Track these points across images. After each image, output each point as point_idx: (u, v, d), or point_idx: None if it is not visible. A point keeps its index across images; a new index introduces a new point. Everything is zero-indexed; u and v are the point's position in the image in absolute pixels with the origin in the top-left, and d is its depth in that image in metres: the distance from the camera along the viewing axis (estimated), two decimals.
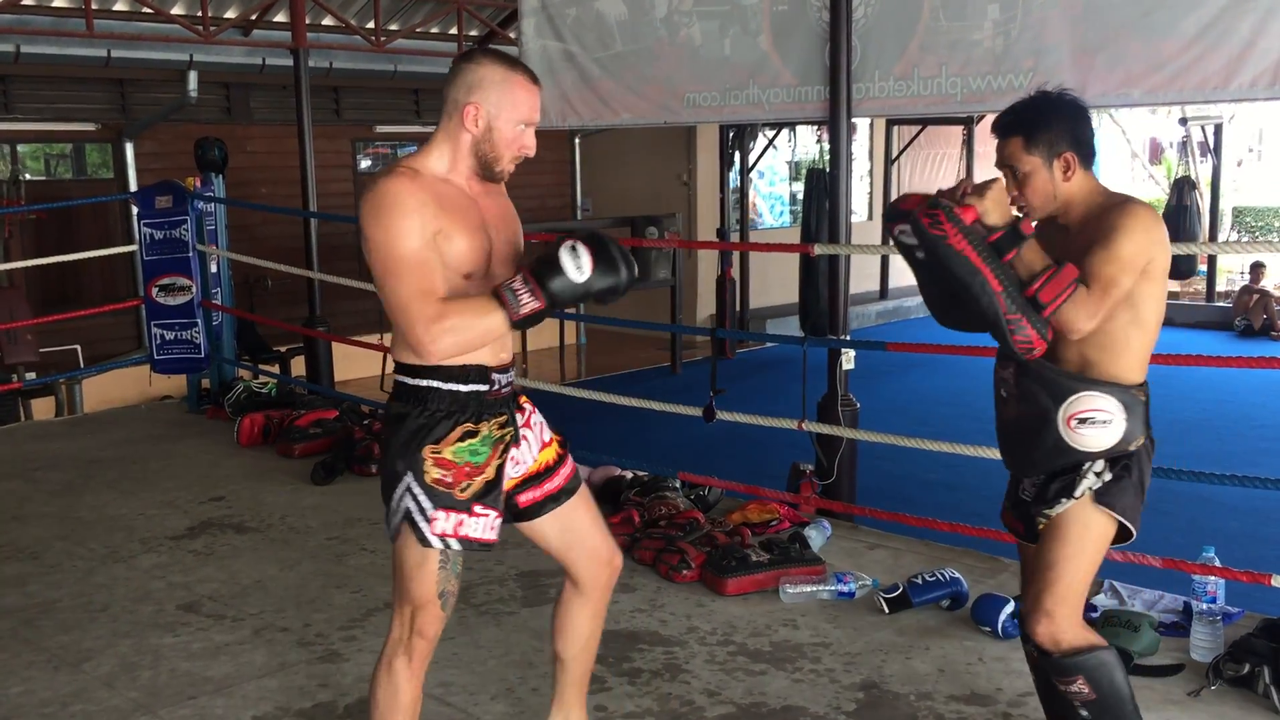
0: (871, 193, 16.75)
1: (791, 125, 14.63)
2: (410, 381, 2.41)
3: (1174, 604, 3.77)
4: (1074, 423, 2.50)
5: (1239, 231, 20.27)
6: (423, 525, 2.38)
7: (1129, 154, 22.21)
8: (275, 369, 9.20)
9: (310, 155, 8.09)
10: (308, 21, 8.70)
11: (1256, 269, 13.88)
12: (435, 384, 2.39)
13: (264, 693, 3.36)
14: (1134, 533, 2.54)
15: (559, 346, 13.16)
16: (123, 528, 4.89)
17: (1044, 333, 2.40)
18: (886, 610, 3.83)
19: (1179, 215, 12.21)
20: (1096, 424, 2.49)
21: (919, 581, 3.89)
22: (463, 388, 2.41)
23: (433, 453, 2.37)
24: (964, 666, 3.45)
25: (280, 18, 10.22)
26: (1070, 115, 2.53)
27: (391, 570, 2.48)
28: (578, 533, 2.67)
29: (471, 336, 2.30)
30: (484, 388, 2.43)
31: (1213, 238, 14.34)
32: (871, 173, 16.68)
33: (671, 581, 4.13)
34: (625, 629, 3.76)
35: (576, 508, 2.67)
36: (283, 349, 9.56)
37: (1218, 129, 14.63)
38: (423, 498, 2.37)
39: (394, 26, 11.20)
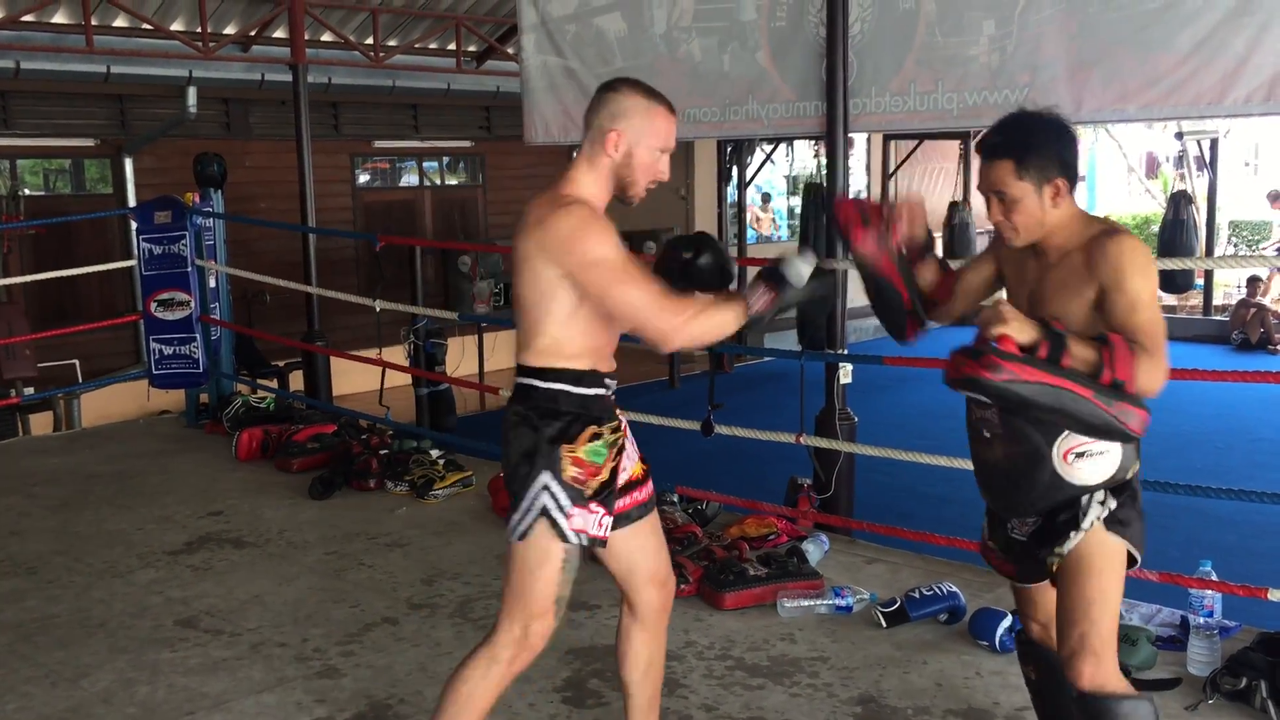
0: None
1: (789, 140, 14.67)
2: (542, 385, 2.51)
3: (1171, 618, 3.77)
4: (1070, 457, 2.41)
5: (1235, 245, 20.32)
6: (562, 521, 2.47)
7: (1125, 168, 22.26)
8: (273, 384, 9.21)
9: (309, 170, 8.12)
10: (307, 37, 8.74)
11: (1254, 282, 13.90)
12: (565, 387, 2.50)
13: (261, 708, 3.36)
14: (1138, 560, 2.47)
15: None
16: (120, 543, 4.89)
17: (1143, 405, 2.31)
18: (884, 624, 3.83)
19: (1176, 229, 12.25)
20: (1093, 456, 2.41)
21: (916, 596, 3.89)
22: (588, 391, 2.52)
23: (569, 452, 2.48)
24: (961, 681, 3.45)
25: (279, 33, 10.26)
26: (1060, 138, 2.42)
27: (506, 576, 2.55)
28: (644, 552, 2.71)
29: (711, 327, 2.47)
30: (603, 392, 2.55)
31: (1209, 251, 14.36)
32: (869, 187, 16.72)
33: None
34: None
35: (649, 525, 2.73)
36: (281, 364, 9.57)
37: (1213, 143, 14.67)
38: (561, 495, 2.47)
39: (393, 42, 11.25)
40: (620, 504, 2.63)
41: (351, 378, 9.35)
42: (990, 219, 2.46)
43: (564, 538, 2.48)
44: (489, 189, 13.09)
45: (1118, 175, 23.19)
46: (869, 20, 5.39)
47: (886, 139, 15.78)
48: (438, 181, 12.94)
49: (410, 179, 12.72)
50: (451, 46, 11.43)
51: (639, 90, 2.53)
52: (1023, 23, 4.90)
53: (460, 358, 11.20)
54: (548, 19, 6.65)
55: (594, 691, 3.43)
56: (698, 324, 2.45)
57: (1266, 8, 4.35)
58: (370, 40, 10.68)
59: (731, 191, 13.46)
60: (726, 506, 5.06)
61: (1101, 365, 2.27)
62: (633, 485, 2.67)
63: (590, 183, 2.52)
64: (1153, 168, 22.97)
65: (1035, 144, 2.39)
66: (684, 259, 2.67)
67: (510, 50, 10.53)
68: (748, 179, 13.77)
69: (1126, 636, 3.45)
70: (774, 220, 16.25)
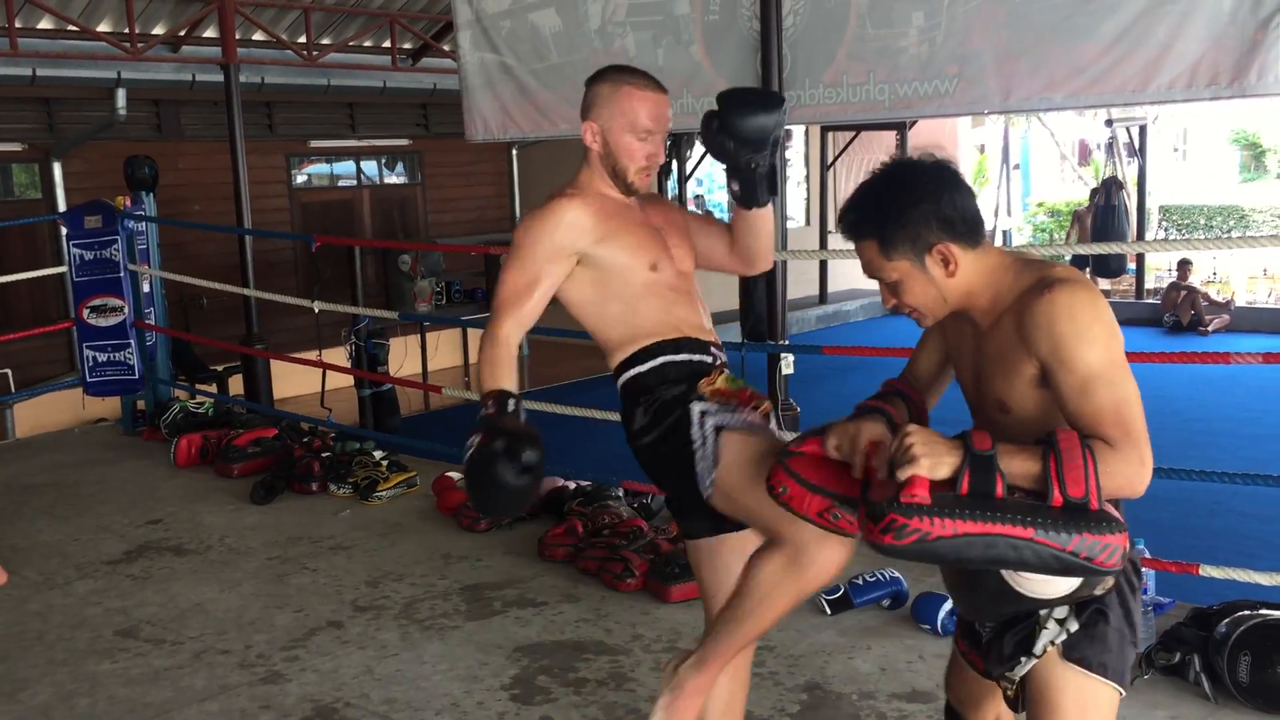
0: (809, 199, 16.91)
1: None
2: (645, 367, 2.43)
3: None
4: None
5: (1166, 230, 20.74)
6: (732, 420, 2.34)
7: (1058, 156, 22.63)
8: (213, 388, 9.09)
9: (243, 171, 8.02)
10: (238, 37, 8.63)
11: (1184, 266, 14.20)
12: (666, 359, 2.43)
13: (205, 717, 3.32)
14: (1122, 692, 1.97)
15: None
16: (58, 554, 4.81)
17: (1120, 528, 1.73)
18: (828, 611, 3.87)
19: (1107, 214, 12.48)
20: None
21: (860, 582, 3.93)
22: (694, 357, 2.44)
23: (707, 385, 2.39)
24: (905, 665, 3.50)
25: (210, 33, 10.12)
26: (929, 193, 1.90)
27: (748, 513, 2.32)
28: (731, 571, 2.46)
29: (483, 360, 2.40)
30: (707, 359, 2.46)
31: (1140, 236, 14.64)
32: (808, 178, 16.84)
33: (616, 590, 4.14)
34: (570, 639, 3.76)
35: (744, 539, 2.48)
36: (220, 368, 9.45)
37: (1142, 130, 14.96)
38: (717, 412, 2.35)
39: (326, 40, 11.13)
40: None
41: (293, 380, 9.26)
42: (886, 306, 2.02)
43: (744, 428, 2.33)
44: (428, 187, 13.01)
45: (1051, 162, 23.56)
46: (801, 13, 5.43)
47: (824, 130, 15.89)
48: (377, 180, 12.84)
49: (349, 178, 12.61)
50: (387, 44, 11.34)
51: (609, 75, 2.48)
52: (951, 14, 4.96)
53: (403, 358, 11.13)
54: (482, 15, 6.62)
55: (542, 688, 3.43)
56: (484, 350, 2.37)
57: None
58: (303, 39, 10.56)
59: (672, 186, 13.49)
60: None
61: (1048, 480, 1.73)
62: None
63: (587, 177, 2.50)
64: (1085, 155, 23.36)
65: (895, 211, 1.91)
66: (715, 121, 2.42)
67: (446, 47, 10.47)
68: (687, 173, 13.80)
69: None
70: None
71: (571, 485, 5.17)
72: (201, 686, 3.51)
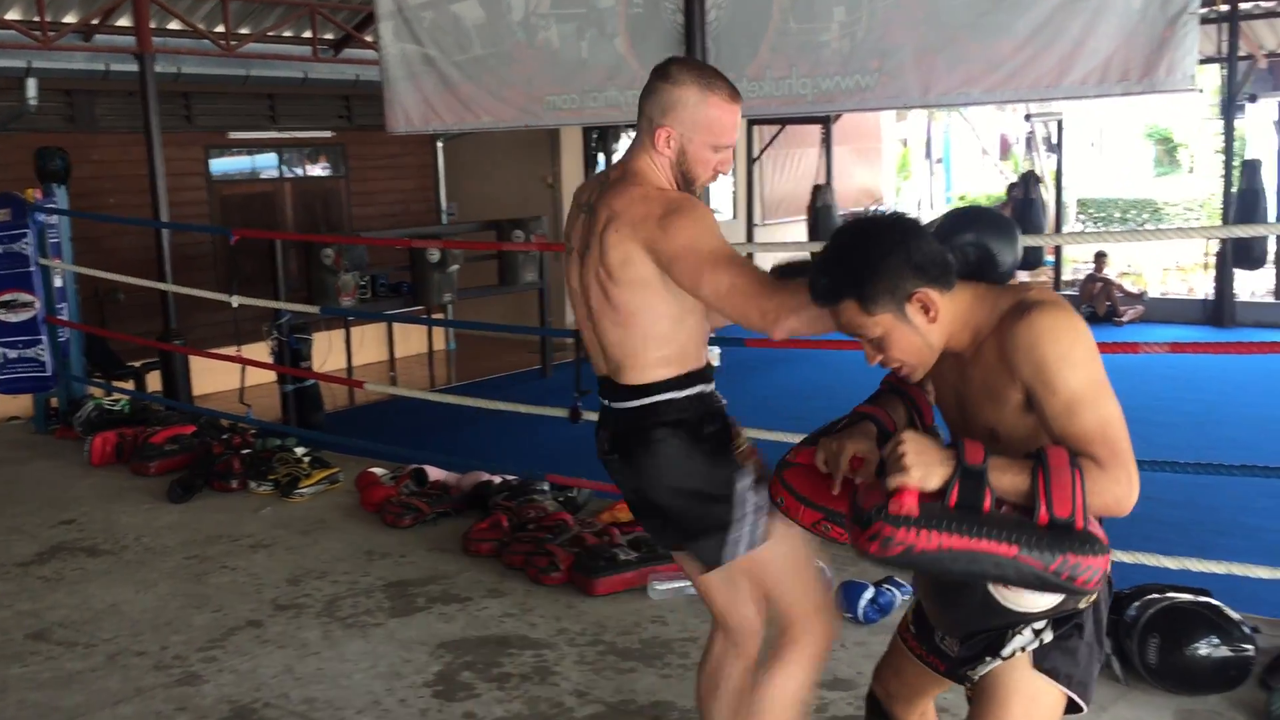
0: (735, 191, 16.99)
1: None
2: (682, 395, 2.35)
3: None
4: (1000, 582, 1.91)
5: (1083, 222, 21.19)
6: (762, 500, 2.33)
7: (980, 150, 23.00)
8: (130, 385, 8.88)
9: (160, 163, 7.83)
10: (153, 26, 8.43)
11: (1100, 258, 14.52)
12: (702, 388, 2.38)
13: None
14: (1083, 707, 1.99)
15: (428, 353, 13.01)
16: None
17: (1102, 550, 1.75)
18: None
19: (1026, 208, 12.70)
20: None
21: None
22: (708, 387, 2.41)
23: (738, 447, 2.37)
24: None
25: (124, 22, 9.87)
26: (899, 242, 1.90)
27: (768, 593, 2.44)
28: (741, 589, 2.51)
29: (812, 314, 2.13)
30: (709, 388, 2.43)
31: (1058, 228, 14.95)
32: (734, 171, 16.92)
33: (541, 584, 4.13)
34: (494, 634, 3.75)
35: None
36: (138, 364, 9.24)
37: (1060, 125, 15.27)
38: (754, 485, 2.35)
39: (245, 30, 10.93)
40: None
41: (214, 376, 9.08)
42: (871, 364, 2.02)
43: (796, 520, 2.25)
44: (352, 180, 12.83)
45: (972, 156, 23.93)
46: (724, 7, 5.45)
47: (750, 124, 15.97)
48: (299, 173, 12.64)
49: (270, 171, 12.40)
50: (307, 34, 11.16)
51: (692, 77, 2.30)
52: (871, 9, 5.03)
53: (328, 352, 10.99)
54: (404, 6, 6.55)
55: (466, 684, 3.41)
56: (796, 318, 2.19)
57: None
58: (221, 28, 10.35)
59: None
60: (598, 493, 5.07)
61: (1036, 498, 1.75)
62: None
63: (656, 175, 2.34)
64: (1006, 149, 23.78)
65: (870, 266, 1.90)
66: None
67: (369, 38, 10.33)
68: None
69: None
70: None
71: (497, 479, 5.14)
72: (116, 689, 3.44)
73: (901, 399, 2.15)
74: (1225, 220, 12.65)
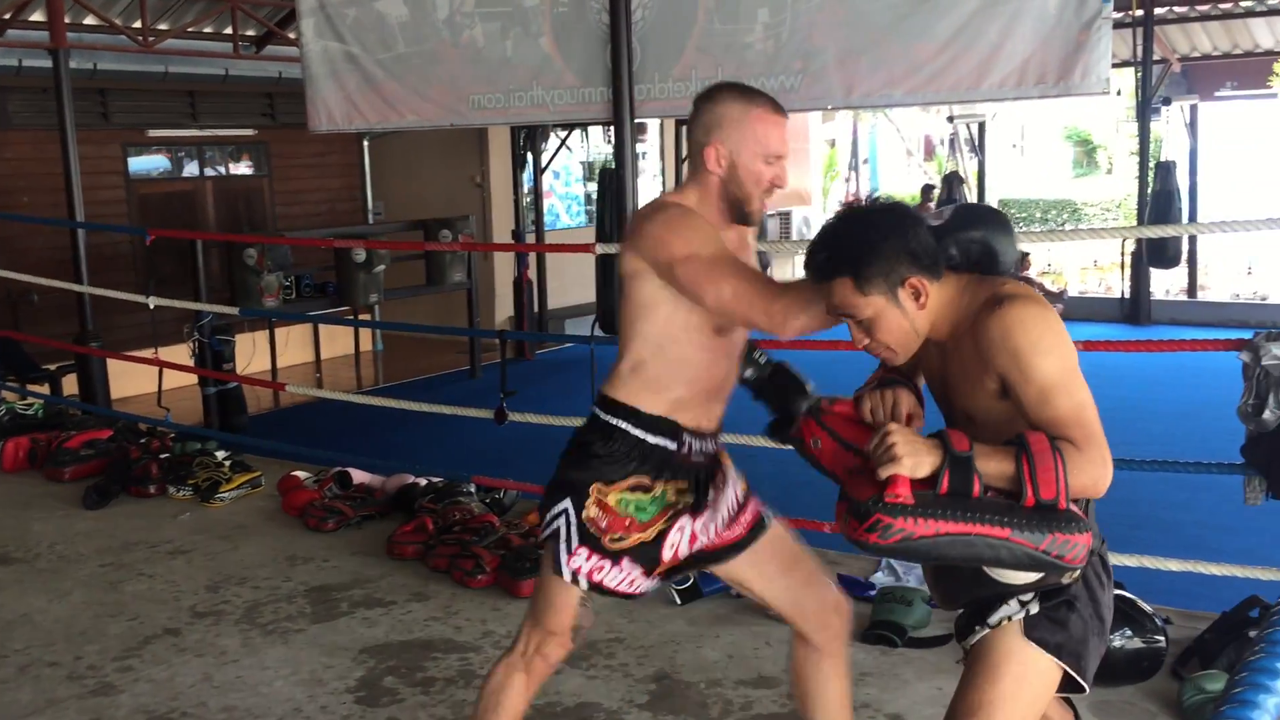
0: (665, 191, 17.03)
1: (582, 126, 14.73)
2: (603, 416, 2.36)
3: None
4: None
5: None
6: (562, 554, 2.34)
7: (904, 151, 23.31)
8: (45, 389, 8.66)
9: (75, 161, 7.66)
10: (68, 21, 8.23)
11: (1022, 257, 14.79)
12: (625, 426, 2.33)
13: None
14: (1084, 686, 2.05)
15: (355, 354, 12.86)
16: None
17: (1085, 527, 1.84)
18: (679, 601, 3.91)
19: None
20: None
21: (709, 571, 3.97)
22: (650, 438, 2.33)
23: (599, 492, 2.32)
24: (752, 651, 3.55)
25: (38, 16, 9.62)
26: (898, 227, 1.98)
27: (534, 587, 2.51)
28: (791, 573, 2.51)
29: (816, 311, 2.13)
30: (671, 445, 2.35)
31: None
32: (664, 171, 16.95)
33: (466, 587, 4.09)
34: (419, 638, 3.71)
35: (780, 537, 2.53)
36: (53, 367, 9.01)
37: (981, 127, 15.53)
38: (573, 529, 2.33)
39: (163, 26, 10.71)
40: (725, 537, 2.45)
41: (134, 379, 8.89)
42: (858, 346, 2.07)
43: (557, 571, 2.34)
44: (275, 178, 12.63)
45: (898, 157, 24.25)
46: (650, 7, 5.46)
47: (678, 124, 16.01)
48: (221, 171, 12.42)
49: (191, 169, 12.17)
50: (228, 31, 10.97)
51: (735, 95, 2.33)
52: (795, 11, 5.06)
53: (252, 354, 10.81)
54: (326, 3, 6.46)
55: (389, 689, 3.37)
56: (799, 313, 2.19)
57: None
58: (139, 23, 10.14)
59: (528, 178, 13.42)
60: (525, 494, 5.05)
61: (1022, 483, 1.83)
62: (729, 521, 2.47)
63: (697, 199, 2.32)
64: (930, 150, 24.12)
65: (870, 247, 1.96)
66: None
67: (292, 35, 10.18)
68: (543, 165, 13.75)
69: (902, 598, 3.63)
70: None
71: (422, 482, 5.09)
72: (27, 701, 3.35)
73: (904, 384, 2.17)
74: (1140, 221, 12.95)
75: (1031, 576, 1.95)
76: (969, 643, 2.07)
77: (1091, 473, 1.87)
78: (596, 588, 2.36)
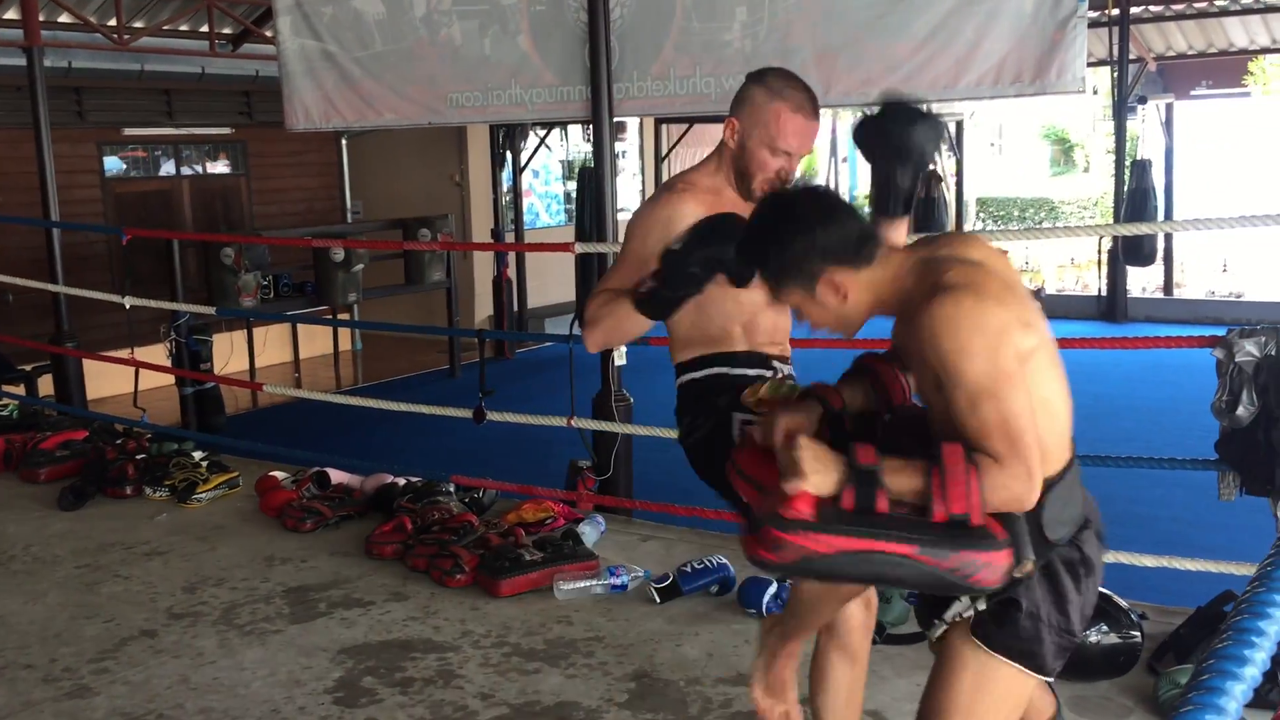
0: (644, 191, 17.02)
1: (561, 124, 14.72)
2: (699, 374, 2.51)
3: None
4: None
5: (983, 221, 21.67)
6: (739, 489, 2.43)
7: None
8: (20, 389, 8.59)
9: (50, 160, 7.59)
10: (42, 18, 8.16)
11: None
12: (722, 370, 2.48)
13: None
14: (1041, 676, 1.97)
15: (334, 354, 12.81)
16: None
17: (1002, 545, 1.75)
18: (658, 600, 3.91)
19: (928, 206, 12.94)
20: None
21: (688, 570, 3.98)
22: (745, 371, 2.47)
23: (751, 395, 2.36)
24: (731, 649, 3.55)
25: (11, 15, 9.54)
26: (804, 225, 1.89)
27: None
28: None
29: (609, 322, 2.40)
30: (767, 373, 2.48)
31: (959, 227, 15.25)
32: (643, 170, 16.95)
33: (445, 587, 4.08)
34: (397, 638, 3.70)
35: None
36: (29, 368, 8.94)
37: (959, 125, 15.58)
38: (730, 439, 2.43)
39: (139, 24, 10.64)
40: None
41: (111, 380, 8.83)
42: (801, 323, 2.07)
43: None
44: (253, 177, 12.57)
45: None
46: (628, 5, 5.45)
47: (658, 123, 16.02)
48: (198, 170, 12.35)
49: (168, 168, 12.09)
50: (204, 29, 10.91)
51: (767, 82, 2.44)
52: (772, 10, 5.07)
53: (230, 354, 10.76)
54: (303, 1, 6.43)
55: (368, 689, 3.36)
56: (590, 326, 2.44)
57: None
58: (114, 21, 10.06)
59: (507, 176, 13.39)
60: (503, 493, 5.04)
61: (930, 497, 1.72)
62: None
63: (712, 167, 2.51)
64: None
65: (775, 244, 1.91)
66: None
67: (268, 33, 10.13)
68: (522, 164, 13.73)
69: (881, 594, 3.63)
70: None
71: (401, 481, 5.07)
72: (1, 704, 3.32)
73: (868, 378, 2.13)
74: (1117, 219, 13.02)
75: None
76: (932, 635, 2.02)
77: (1014, 489, 1.75)
78: None
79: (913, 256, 1.95)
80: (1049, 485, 1.86)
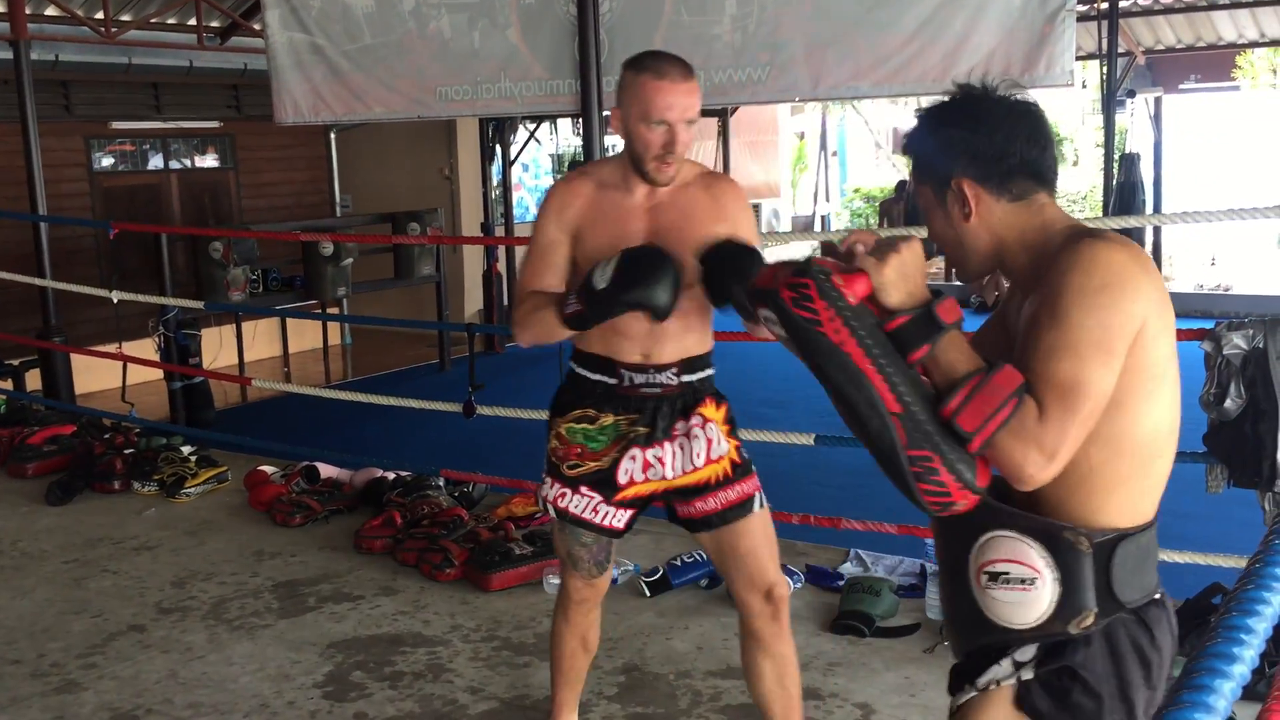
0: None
1: (551, 118, 14.70)
2: (569, 364, 2.64)
3: (912, 567, 4.00)
4: (984, 578, 1.62)
5: None
6: (544, 484, 2.62)
7: (873, 144, 23.38)
8: (8, 384, 8.56)
9: (37, 155, 7.56)
10: (28, 11, 8.12)
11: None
12: (573, 367, 2.61)
13: None
14: None
15: (323, 348, 12.78)
16: None
17: (969, 478, 1.53)
18: (648, 593, 3.91)
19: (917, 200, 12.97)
20: (1012, 584, 1.60)
21: (678, 563, 3.99)
22: (590, 375, 2.56)
23: (554, 424, 2.60)
24: (720, 642, 3.56)
25: None
26: (971, 122, 1.64)
27: None
28: (733, 559, 2.58)
29: (538, 329, 2.46)
30: (610, 380, 2.53)
31: None
32: None
33: (435, 581, 4.08)
34: (387, 632, 3.70)
35: (738, 534, 2.56)
36: (16, 363, 8.90)
37: None
38: (545, 460, 2.63)
39: (126, 17, 10.59)
40: (681, 510, 2.60)
41: (99, 375, 8.80)
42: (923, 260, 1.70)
43: (539, 498, 2.66)
44: (241, 171, 12.52)
45: (866, 150, 24.32)
46: None
47: None
48: (186, 164, 12.30)
49: (156, 162, 12.04)
50: (192, 22, 10.86)
51: (630, 64, 2.46)
52: (762, 3, 5.07)
53: (219, 348, 10.72)
54: None
55: (357, 684, 3.36)
56: (520, 326, 2.51)
57: None
58: (100, 14, 10.02)
59: (496, 170, 13.37)
60: (493, 487, 5.04)
61: (955, 392, 1.52)
62: (695, 491, 2.55)
63: (616, 160, 2.54)
64: (899, 142, 24.19)
65: (930, 134, 1.69)
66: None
67: (257, 26, 10.09)
68: (512, 157, 13.71)
69: (870, 588, 3.65)
70: None
71: (390, 476, 5.07)
72: None
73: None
74: (1106, 212, 13.04)
75: (1023, 618, 1.59)
76: (957, 702, 1.72)
77: (1027, 453, 1.50)
78: (563, 515, 2.59)
79: (1070, 222, 1.68)
80: (1126, 535, 1.60)
